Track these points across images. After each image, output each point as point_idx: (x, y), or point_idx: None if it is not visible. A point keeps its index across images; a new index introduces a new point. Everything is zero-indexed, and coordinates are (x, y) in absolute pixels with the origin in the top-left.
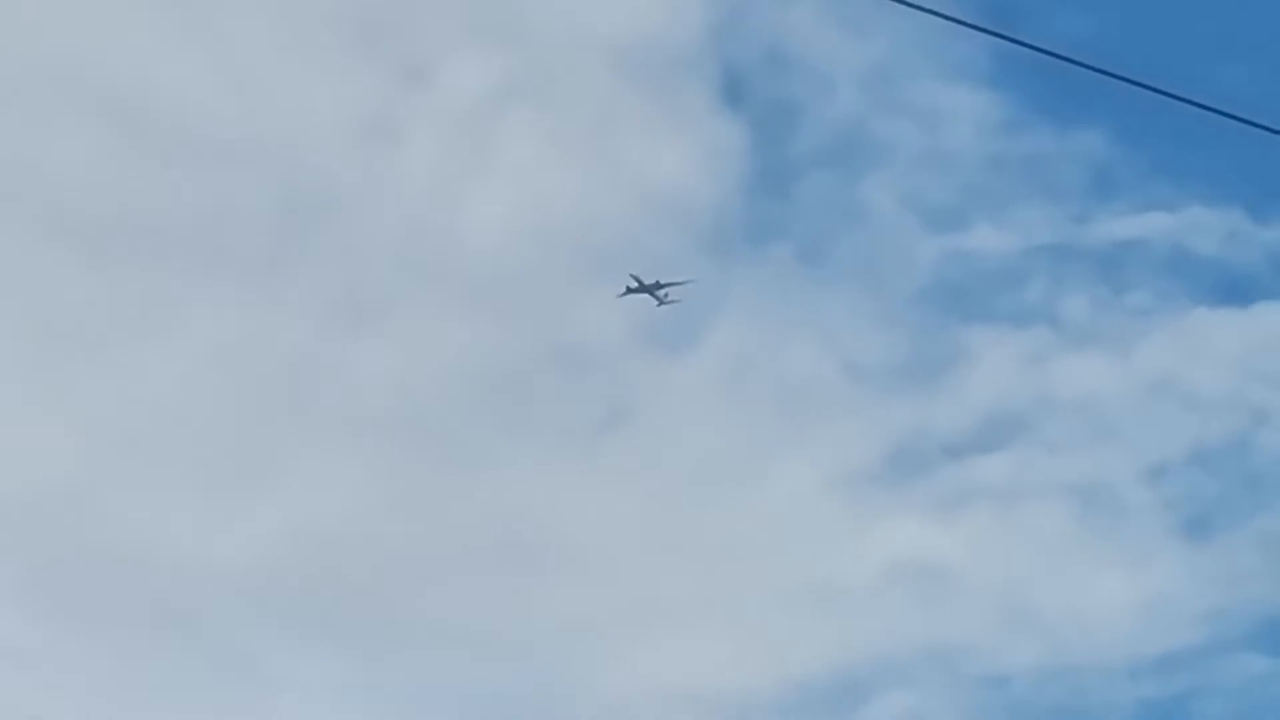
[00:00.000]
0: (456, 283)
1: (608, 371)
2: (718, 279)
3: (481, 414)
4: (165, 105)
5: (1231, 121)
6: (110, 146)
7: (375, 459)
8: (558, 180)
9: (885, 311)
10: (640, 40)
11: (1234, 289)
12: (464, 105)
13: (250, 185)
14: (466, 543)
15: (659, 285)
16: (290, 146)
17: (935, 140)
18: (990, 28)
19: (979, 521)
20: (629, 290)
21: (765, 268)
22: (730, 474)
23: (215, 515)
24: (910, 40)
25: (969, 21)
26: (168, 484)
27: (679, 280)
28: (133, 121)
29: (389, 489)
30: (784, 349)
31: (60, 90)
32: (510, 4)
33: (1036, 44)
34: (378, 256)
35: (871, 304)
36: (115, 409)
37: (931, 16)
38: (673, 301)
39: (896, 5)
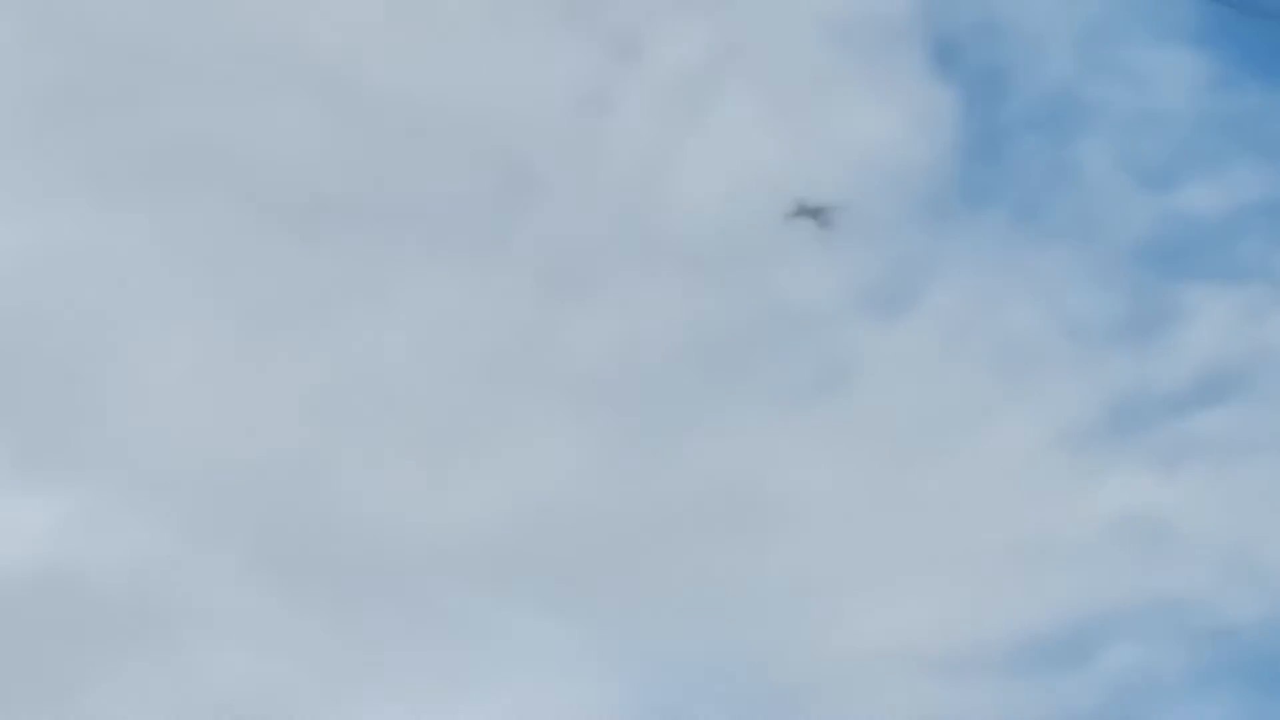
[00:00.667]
0: (671, 250)
1: (825, 333)
2: (932, 242)
3: (700, 378)
4: (375, 82)
5: None
6: (322, 125)
7: (595, 426)
8: (770, 148)
9: (1101, 269)
10: (851, 8)
11: None
12: (675, 76)
13: (464, 160)
14: (687, 507)
15: (822, 209)
16: (503, 121)
17: (1147, 100)
18: None
19: (1201, 475)
20: (793, 213)
21: (980, 229)
22: (950, 432)
23: (439, 485)
24: (1120, 2)
25: None
26: (391, 455)
27: (842, 204)
28: (343, 99)
29: (610, 456)
30: (1001, 308)
31: (269, 69)
32: None
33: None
34: (593, 227)
35: (1087, 263)
36: (337, 382)
37: None
38: (836, 225)
39: None
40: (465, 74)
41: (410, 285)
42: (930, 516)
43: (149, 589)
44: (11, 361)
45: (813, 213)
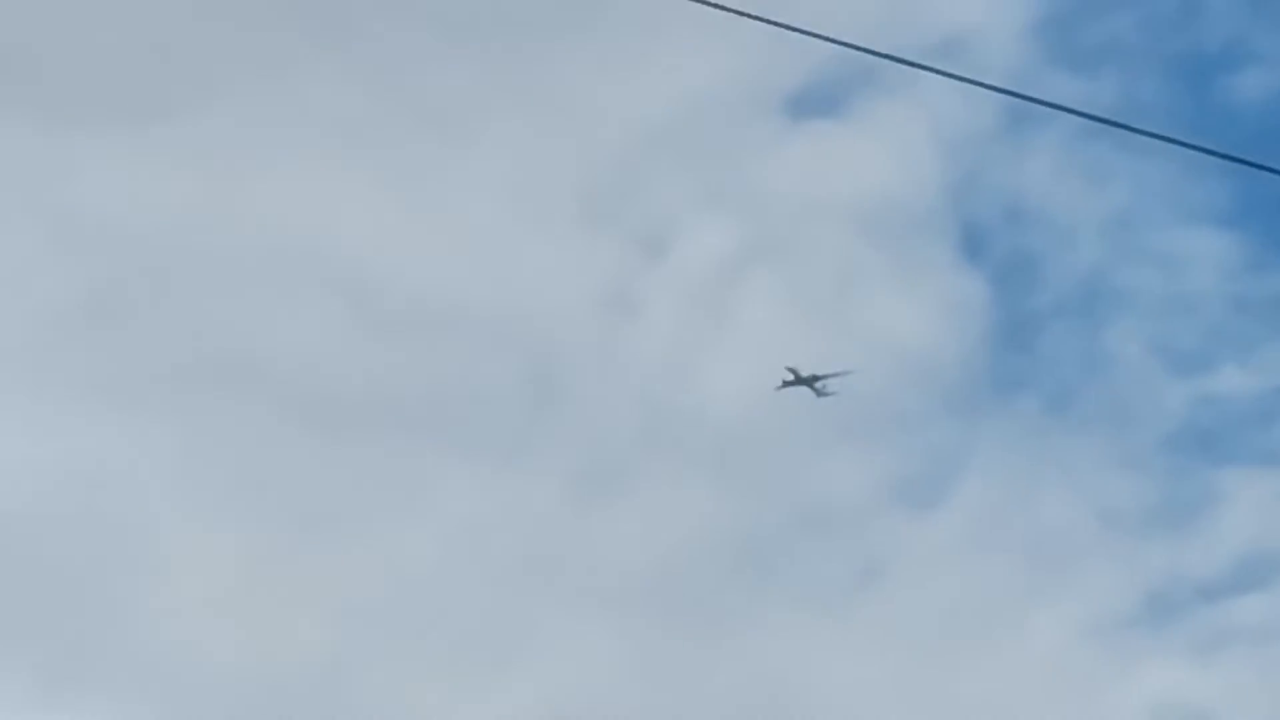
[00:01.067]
0: (699, 450)
1: (856, 530)
2: (965, 433)
3: (730, 579)
4: (400, 283)
5: None
6: (347, 326)
7: (625, 629)
8: (798, 343)
9: (1135, 457)
10: (877, 200)
11: None
12: (701, 273)
13: (488, 360)
14: (720, 711)
15: (816, 377)
16: (528, 320)
17: (1177, 284)
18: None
19: (1240, 663)
20: (785, 383)
21: (1012, 419)
22: (985, 626)
23: (467, 690)
24: (1149, 185)
25: (1217, 150)
26: (419, 659)
27: (836, 372)
28: (368, 300)
29: (639, 659)
30: (1034, 498)
31: (292, 273)
32: (743, 170)
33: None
34: (620, 427)
35: (1121, 450)
36: (364, 589)
37: (1171, 159)
38: (830, 394)
39: (1136, 150)
40: (489, 275)
41: (437, 488)
42: (965, 714)
43: None
44: (36, 576)
45: (807, 381)
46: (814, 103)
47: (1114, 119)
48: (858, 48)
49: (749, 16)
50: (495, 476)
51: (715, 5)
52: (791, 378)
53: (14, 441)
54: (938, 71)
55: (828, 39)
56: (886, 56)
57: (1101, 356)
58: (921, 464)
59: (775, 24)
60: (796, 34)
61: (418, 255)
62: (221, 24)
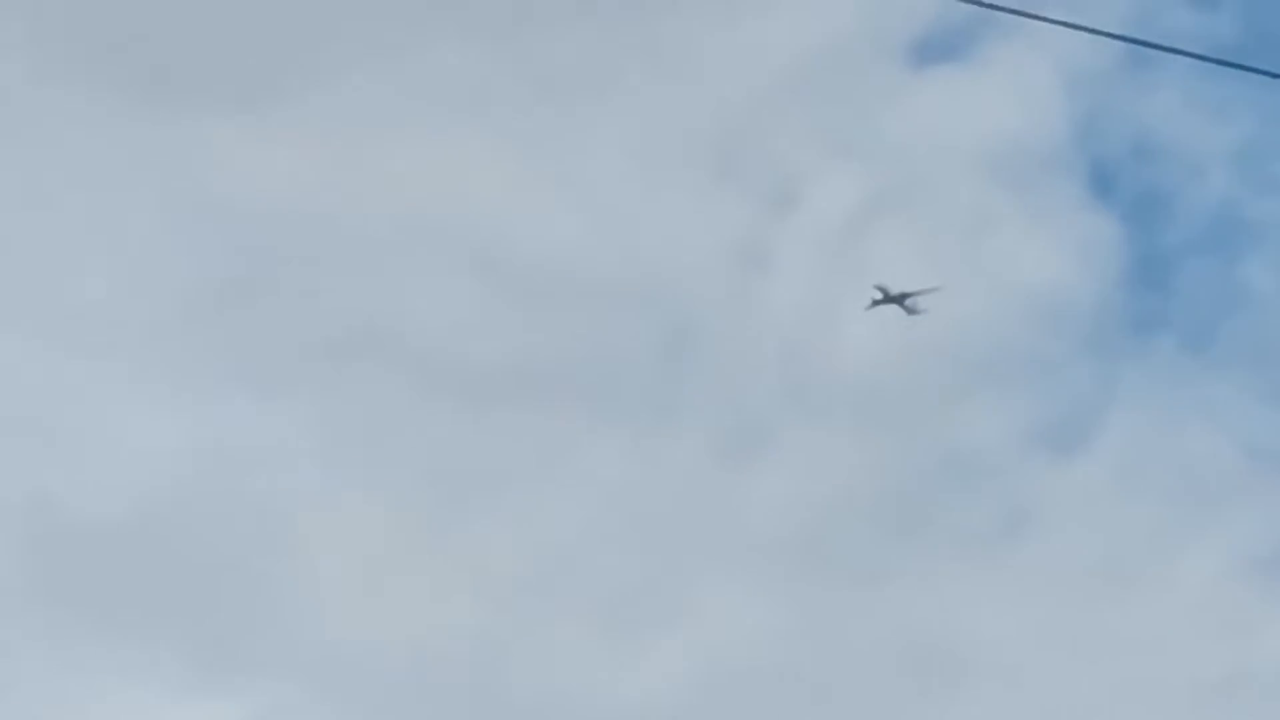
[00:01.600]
0: (839, 401)
1: (1001, 477)
2: (1104, 375)
3: (878, 529)
4: (531, 249)
5: None
6: (481, 295)
7: (775, 584)
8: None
9: (1278, 390)
10: (1004, 142)
11: None
12: (831, 224)
13: (624, 322)
14: (873, 660)
15: (905, 294)
16: (660, 280)
17: None
18: None
19: None
20: (875, 303)
21: (1151, 359)
22: (1134, 568)
23: (621, 654)
24: (1277, 115)
25: None
26: (571, 627)
27: (926, 289)
28: (500, 268)
29: (792, 614)
30: (1179, 438)
31: (427, 243)
32: (870, 118)
33: None
34: (760, 382)
35: (1265, 385)
36: (513, 553)
37: None
38: (920, 311)
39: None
40: (619, 236)
41: (581, 455)
42: (1117, 656)
43: None
44: (182, 559)
45: (897, 299)
46: (937, 48)
47: (1232, 59)
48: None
49: None
50: (638, 439)
51: None
52: (880, 296)
53: (155, 425)
54: (1052, 21)
55: None
56: (996, 7)
57: (1239, 290)
58: (1062, 408)
59: None
60: None
61: (547, 220)
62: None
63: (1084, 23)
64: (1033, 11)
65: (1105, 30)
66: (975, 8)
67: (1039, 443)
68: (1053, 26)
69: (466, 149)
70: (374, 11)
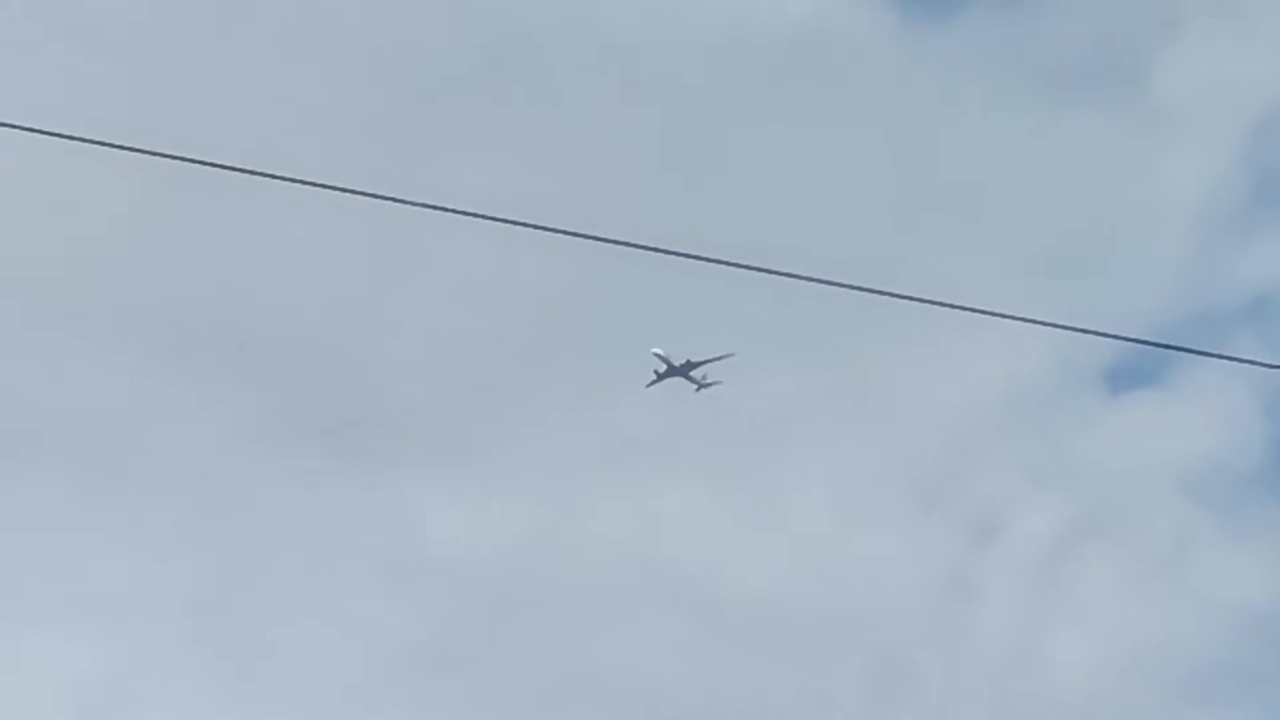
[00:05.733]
0: None
1: None
2: None
3: None
4: (735, 588)
5: None
6: (691, 636)
7: None
8: (1139, 612)
9: None
10: (1202, 463)
11: None
12: (1036, 552)
13: (832, 656)
14: None
15: (691, 364)
16: (868, 614)
17: None
18: None
19: None
20: (657, 375)
21: None
22: None
23: None
24: None
25: None
26: None
27: (714, 356)
28: (705, 607)
29: None
30: None
31: (631, 587)
32: (1068, 448)
33: None
34: (968, 710)
35: None
36: None
37: None
38: (712, 384)
39: None
40: (824, 573)
41: None
42: None
43: None
44: None
45: (681, 370)
46: (1131, 375)
47: None
48: (1151, 343)
49: (1045, 324)
50: None
51: (1013, 317)
52: (664, 367)
53: None
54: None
55: (1124, 338)
56: (1174, 348)
57: None
58: None
59: (1072, 328)
60: (1092, 333)
61: (752, 557)
62: (529, 359)
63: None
64: (1221, 352)
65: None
66: (1168, 334)
67: None
68: (1248, 345)
69: (669, 491)
70: (568, 363)
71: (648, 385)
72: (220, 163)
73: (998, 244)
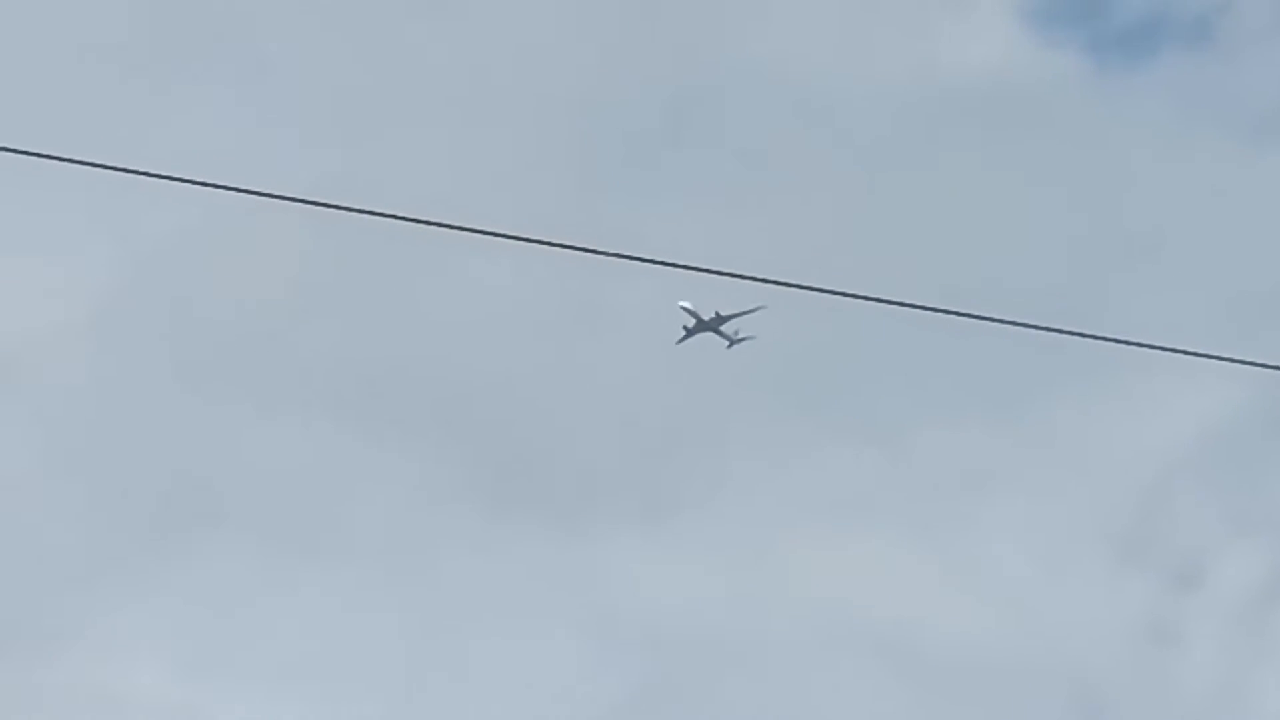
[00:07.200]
0: None
1: None
2: None
3: None
4: (937, 641)
5: None
6: (892, 688)
7: None
8: None
9: None
10: None
11: None
12: (1238, 598)
13: (1035, 705)
14: None
15: (720, 318)
16: (1070, 662)
17: None
18: None
19: None
20: (687, 331)
21: None
22: None
23: None
24: None
25: None
26: None
27: (745, 309)
28: (908, 659)
29: None
30: None
31: (833, 641)
32: (1268, 493)
33: None
34: None
35: None
36: None
37: None
38: (744, 338)
39: None
40: (1025, 623)
41: None
42: None
43: None
44: None
45: (710, 325)
46: None
47: None
48: None
49: (1247, 363)
50: None
51: (1216, 357)
52: (693, 322)
53: None
54: None
55: None
56: None
57: None
58: None
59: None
60: None
61: (949, 610)
62: (726, 413)
63: None
64: None
65: None
66: None
67: None
68: None
69: (863, 546)
70: (766, 417)
71: (678, 342)
72: (407, 215)
73: (1192, 288)
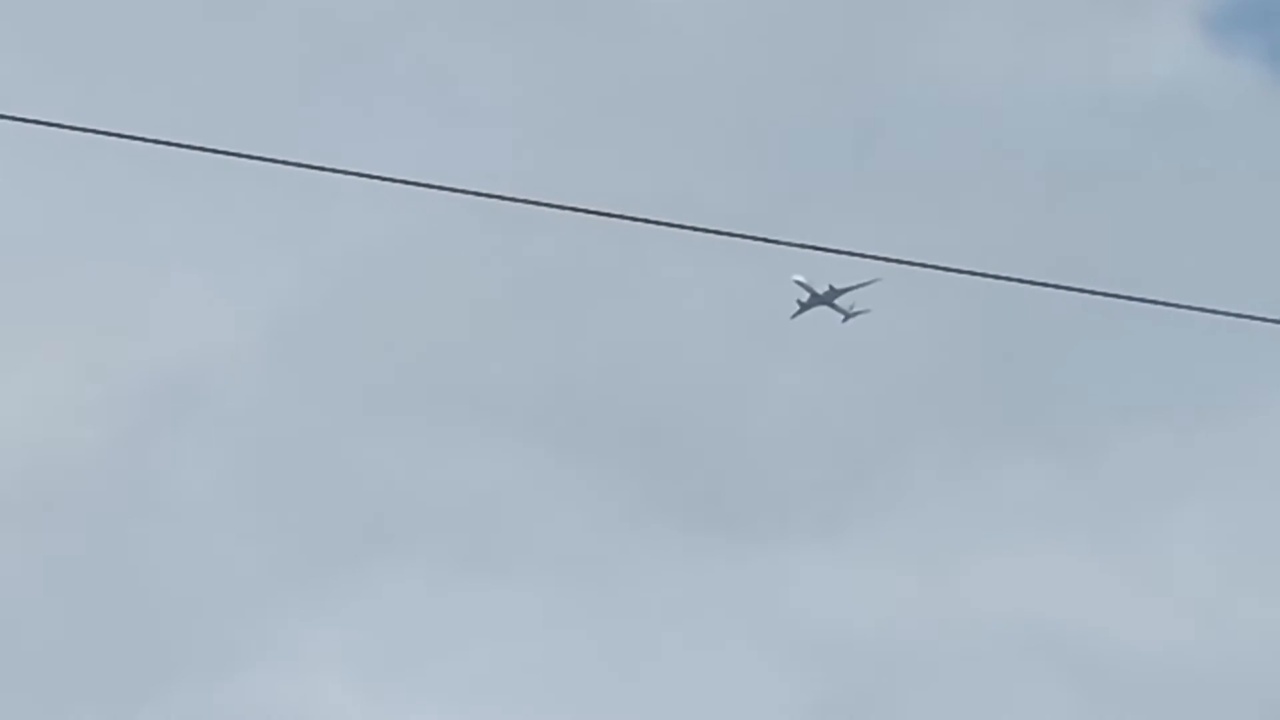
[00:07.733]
0: None
1: None
2: None
3: None
4: (1124, 653)
5: None
6: (1082, 702)
7: None
8: None
9: None
10: None
11: None
12: None
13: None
14: None
15: (834, 291)
16: (1263, 676)
17: None
18: None
19: None
20: (801, 305)
21: None
22: None
23: None
24: None
25: None
26: None
27: (860, 282)
28: (1092, 673)
29: None
30: None
31: (1017, 655)
32: None
33: None
34: None
35: None
36: None
37: None
38: (859, 312)
39: None
40: (1214, 632)
41: None
42: None
43: None
44: None
45: (825, 299)
46: None
47: None
48: None
49: None
50: None
51: None
52: (807, 296)
53: None
54: None
55: None
56: None
57: None
58: None
59: None
60: None
61: (1137, 621)
62: (906, 422)
63: None
64: None
65: None
66: None
67: None
68: None
69: (1049, 555)
70: (946, 426)
71: (792, 316)
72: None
73: None
